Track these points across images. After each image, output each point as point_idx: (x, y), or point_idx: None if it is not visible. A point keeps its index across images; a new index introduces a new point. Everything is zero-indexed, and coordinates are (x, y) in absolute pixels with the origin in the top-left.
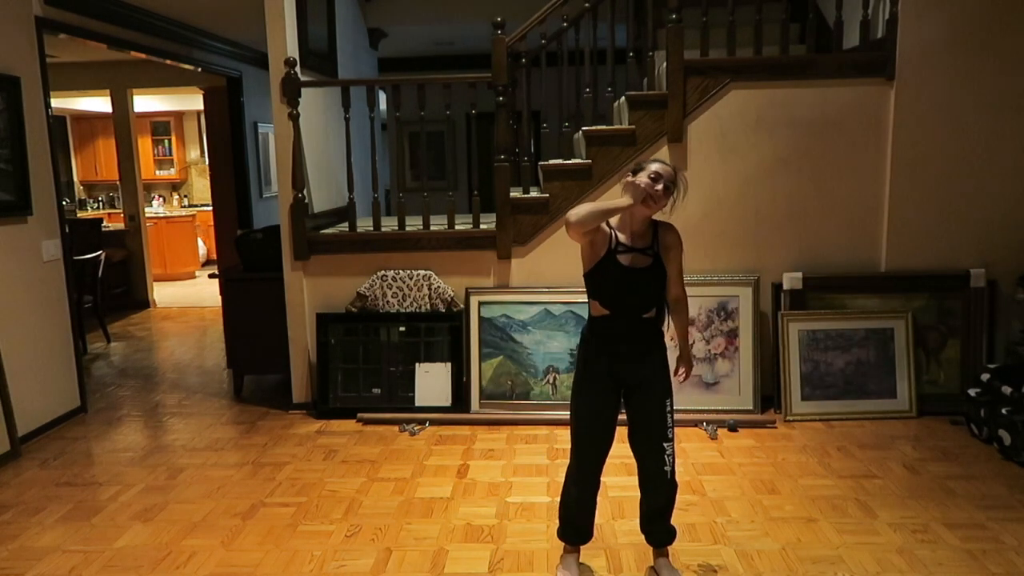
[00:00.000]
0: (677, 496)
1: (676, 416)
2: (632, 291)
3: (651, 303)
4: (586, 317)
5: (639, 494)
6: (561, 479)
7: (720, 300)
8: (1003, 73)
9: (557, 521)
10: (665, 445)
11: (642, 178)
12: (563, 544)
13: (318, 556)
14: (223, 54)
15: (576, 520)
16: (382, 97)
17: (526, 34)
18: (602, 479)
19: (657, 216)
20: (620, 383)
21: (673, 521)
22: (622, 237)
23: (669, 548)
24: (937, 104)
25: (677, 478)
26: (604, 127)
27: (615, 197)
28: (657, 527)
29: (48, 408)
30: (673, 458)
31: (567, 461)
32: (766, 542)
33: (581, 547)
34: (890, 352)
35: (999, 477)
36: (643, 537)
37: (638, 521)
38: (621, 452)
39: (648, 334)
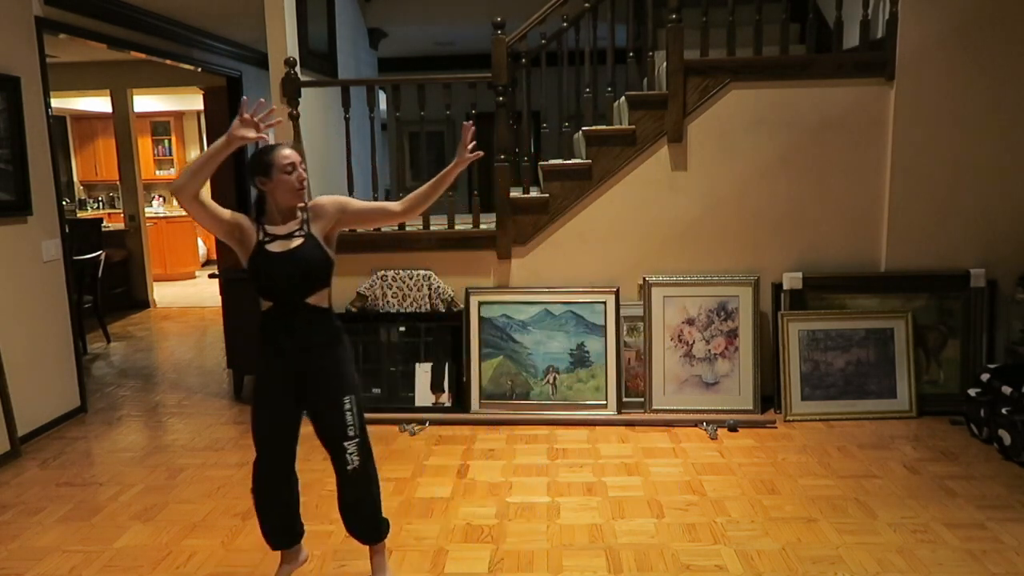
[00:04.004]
0: (380, 491)
1: (676, 416)
2: (289, 278)
3: (311, 288)
4: (585, 317)
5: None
6: (561, 479)
7: (720, 300)
8: (1003, 73)
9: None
10: (346, 444)
11: (284, 174)
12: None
13: (318, 556)
14: (223, 54)
15: (273, 520)
16: (382, 97)
17: (526, 34)
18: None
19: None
20: (295, 380)
21: (673, 521)
22: (270, 228)
23: (386, 546)
24: (937, 104)
25: (375, 475)
26: (604, 127)
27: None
28: (355, 521)
29: (48, 408)
30: (361, 453)
31: (568, 461)
32: (766, 542)
33: (302, 556)
34: (890, 352)
35: (999, 477)
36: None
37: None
38: (620, 452)
39: (317, 323)
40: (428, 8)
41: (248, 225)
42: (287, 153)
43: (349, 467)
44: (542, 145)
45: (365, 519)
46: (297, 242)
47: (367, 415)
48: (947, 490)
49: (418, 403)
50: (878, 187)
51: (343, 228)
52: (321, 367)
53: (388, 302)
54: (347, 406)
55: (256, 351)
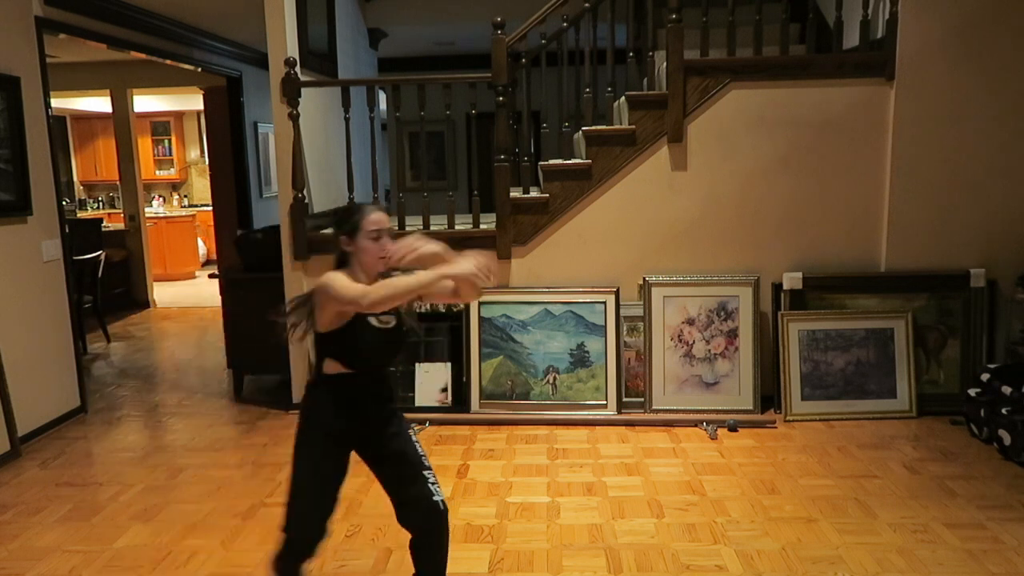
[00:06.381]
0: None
1: (677, 415)
2: (387, 354)
3: (393, 363)
4: (585, 317)
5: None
6: (561, 479)
7: (720, 300)
8: (1003, 73)
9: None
10: (426, 473)
11: (369, 240)
12: None
13: (318, 556)
14: (223, 54)
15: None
16: (382, 97)
17: (526, 34)
18: (607, 479)
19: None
20: (360, 446)
21: (673, 521)
22: None
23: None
24: (937, 104)
25: None
26: (604, 127)
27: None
28: (434, 561)
29: (48, 408)
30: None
31: (568, 461)
32: (766, 542)
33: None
34: (890, 352)
35: (999, 477)
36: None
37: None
38: (620, 452)
39: (390, 392)
40: (428, 8)
41: None
42: (375, 218)
43: (435, 498)
44: (542, 145)
45: (446, 553)
46: (391, 318)
47: None
48: (947, 490)
49: (418, 403)
50: (878, 187)
51: None
52: (396, 421)
53: None
54: (421, 452)
55: (315, 404)
